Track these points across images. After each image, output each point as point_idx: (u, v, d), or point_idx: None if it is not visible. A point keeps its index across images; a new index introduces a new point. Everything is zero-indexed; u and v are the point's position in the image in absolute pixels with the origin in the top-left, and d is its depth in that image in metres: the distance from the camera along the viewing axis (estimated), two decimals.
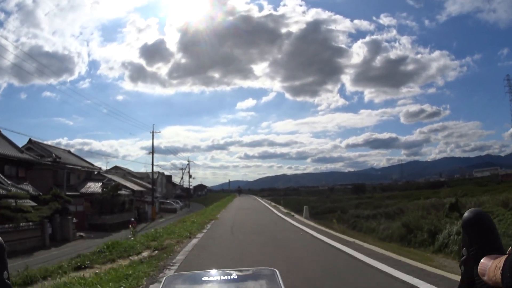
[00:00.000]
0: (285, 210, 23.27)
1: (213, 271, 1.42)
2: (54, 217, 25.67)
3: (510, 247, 0.74)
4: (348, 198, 56.49)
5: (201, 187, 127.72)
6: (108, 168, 58.84)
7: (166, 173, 76.69)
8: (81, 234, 28.26)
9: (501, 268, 0.70)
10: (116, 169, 58.18)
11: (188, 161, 73.74)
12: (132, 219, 26.87)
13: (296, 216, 18.69)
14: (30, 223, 23.21)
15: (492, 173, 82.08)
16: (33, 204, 25.38)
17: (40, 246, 24.16)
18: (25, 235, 22.90)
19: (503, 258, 0.72)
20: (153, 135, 44.02)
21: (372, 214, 25.42)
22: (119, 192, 33.48)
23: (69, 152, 43.78)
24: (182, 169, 79.29)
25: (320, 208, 35.26)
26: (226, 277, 1.36)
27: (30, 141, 36.29)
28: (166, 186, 73.76)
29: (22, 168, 29.52)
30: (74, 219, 27.53)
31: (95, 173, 43.41)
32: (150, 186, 57.00)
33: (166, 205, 55.43)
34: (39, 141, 37.08)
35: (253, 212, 23.97)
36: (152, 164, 43.50)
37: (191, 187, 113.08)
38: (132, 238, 9.34)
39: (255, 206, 31.99)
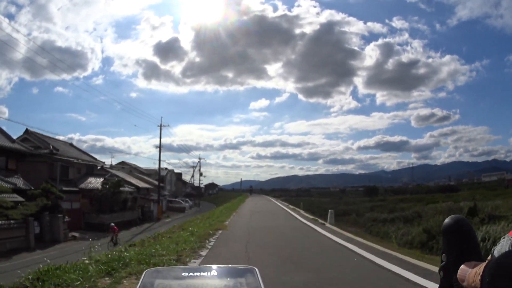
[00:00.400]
0: (310, 216, 19.44)
1: (194, 267, 1.45)
2: (43, 215, 22.52)
3: (490, 255, 0.77)
4: (361, 201, 54.53)
5: (212, 185, 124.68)
6: (115, 163, 56.40)
7: (176, 170, 73.81)
8: (75, 234, 25.10)
9: (480, 274, 0.71)
10: (122, 165, 55.36)
11: (199, 158, 70.63)
12: (112, 224, 22.33)
13: (327, 224, 14.93)
14: (12, 221, 20.11)
15: (499, 178, 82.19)
16: (21, 199, 22.35)
17: (24, 248, 21.02)
18: (6, 235, 19.76)
19: (483, 264, 0.73)
20: (160, 129, 40.83)
21: (390, 218, 23.99)
22: (121, 189, 30.25)
23: (71, 144, 40.99)
24: (193, 167, 76.17)
25: (333, 211, 33.25)
26: (206, 273, 1.35)
27: (26, 131, 33.38)
28: (176, 184, 70.69)
29: (13, 160, 26.54)
30: (67, 217, 24.39)
31: (98, 168, 40.54)
32: (157, 183, 54.02)
33: (174, 203, 52.18)
34: (37, 131, 34.21)
35: (271, 217, 20.01)
36: (160, 160, 40.27)
37: (201, 185, 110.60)
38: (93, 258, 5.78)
39: (272, 209, 28.35)
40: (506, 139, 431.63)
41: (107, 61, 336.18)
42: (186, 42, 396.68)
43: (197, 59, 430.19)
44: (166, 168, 57.00)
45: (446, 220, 0.90)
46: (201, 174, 70.27)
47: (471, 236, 0.87)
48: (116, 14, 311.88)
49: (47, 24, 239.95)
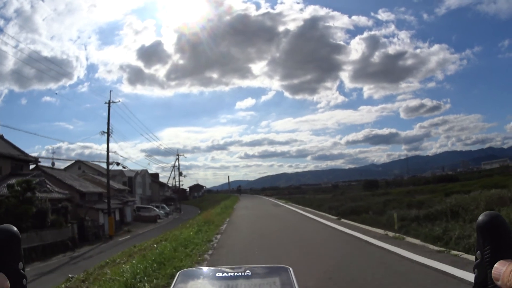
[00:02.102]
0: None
1: (227, 267, 1.38)
2: None
3: None
4: (364, 195, 46.64)
5: (197, 187, 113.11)
6: (71, 163, 44.99)
7: (151, 171, 62.40)
8: None
9: None
10: (78, 164, 43.90)
11: (178, 154, 58.79)
12: None
13: None
14: None
15: (501, 165, 79.93)
16: None
17: None
18: None
19: None
20: (109, 106, 29.51)
21: (423, 215, 17.45)
22: (38, 194, 19.13)
23: (1, 137, 29.93)
24: (174, 166, 64.52)
25: (341, 209, 25.44)
26: (239, 273, 1.34)
27: None
28: (151, 187, 59.27)
29: None
30: None
31: (32, 167, 29.46)
32: (124, 187, 42.89)
33: (143, 212, 40.88)
34: None
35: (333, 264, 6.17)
36: (108, 151, 28.87)
37: (182, 186, 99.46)
38: None
39: (295, 223, 14.69)
40: (502, 126, 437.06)
41: (91, 68, 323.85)
42: (169, 45, 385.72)
43: (181, 62, 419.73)
44: (120, 167, 45.38)
45: (480, 217, 0.85)
46: (180, 174, 58.92)
47: (506, 233, 0.82)
48: (99, 20, 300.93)
49: (33, 35, 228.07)
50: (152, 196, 59.25)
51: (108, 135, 27.74)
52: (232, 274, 1.32)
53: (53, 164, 33.44)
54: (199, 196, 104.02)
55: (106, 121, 28.08)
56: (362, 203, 30.45)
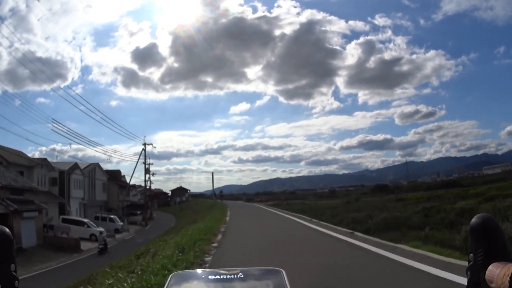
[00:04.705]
0: None
1: (220, 270, 1.39)
2: None
3: None
4: (383, 201, 37.70)
5: (180, 191, 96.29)
6: None
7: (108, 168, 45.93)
8: None
9: (509, 276, 0.71)
10: None
11: (144, 144, 42.21)
12: None
13: None
14: None
15: (503, 170, 79.70)
16: None
17: None
18: None
19: None
20: None
21: None
22: None
23: None
24: (139, 160, 47.53)
25: (372, 223, 18.32)
26: (232, 276, 1.35)
27: None
28: (107, 189, 42.85)
29: None
30: None
31: None
32: (30, 185, 26.67)
33: (66, 229, 24.49)
34: None
35: None
36: None
37: (163, 189, 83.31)
38: None
39: None
40: (496, 133, 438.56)
41: (86, 70, 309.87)
42: (164, 48, 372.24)
43: (176, 65, 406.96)
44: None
45: (473, 220, 0.87)
46: (148, 171, 42.36)
47: (499, 236, 0.84)
48: (95, 21, 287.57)
49: (28, 35, 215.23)
50: (109, 202, 42.93)
51: None
52: (225, 276, 1.31)
53: None
54: (182, 201, 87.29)
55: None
56: (396, 213, 23.73)
